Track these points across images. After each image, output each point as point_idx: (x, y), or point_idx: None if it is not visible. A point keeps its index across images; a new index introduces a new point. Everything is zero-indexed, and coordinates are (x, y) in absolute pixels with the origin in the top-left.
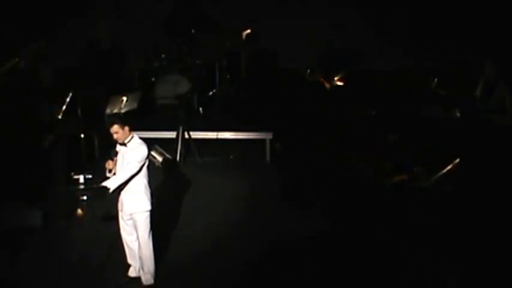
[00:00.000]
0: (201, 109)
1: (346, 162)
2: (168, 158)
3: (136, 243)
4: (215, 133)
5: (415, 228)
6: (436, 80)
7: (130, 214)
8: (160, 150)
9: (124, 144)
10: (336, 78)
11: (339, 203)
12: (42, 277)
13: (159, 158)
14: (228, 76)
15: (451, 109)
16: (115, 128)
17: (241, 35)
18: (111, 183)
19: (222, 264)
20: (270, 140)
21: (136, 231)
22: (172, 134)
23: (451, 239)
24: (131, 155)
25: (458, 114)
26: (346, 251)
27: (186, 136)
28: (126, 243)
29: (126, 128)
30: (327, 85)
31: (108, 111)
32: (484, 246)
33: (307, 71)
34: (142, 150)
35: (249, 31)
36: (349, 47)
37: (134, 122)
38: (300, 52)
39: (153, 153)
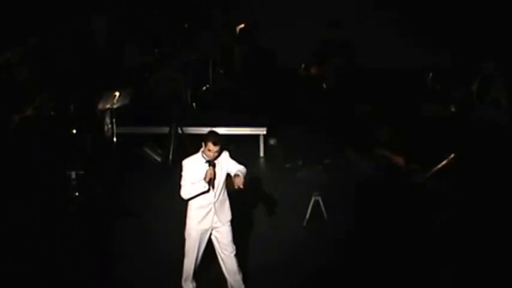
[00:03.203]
0: (194, 104)
1: (342, 156)
2: (161, 155)
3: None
4: (208, 128)
5: (413, 226)
6: (431, 74)
7: (226, 222)
8: (154, 146)
9: (214, 160)
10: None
11: (334, 199)
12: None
13: (154, 155)
14: (222, 71)
15: (446, 104)
16: (219, 147)
17: (236, 30)
18: (241, 176)
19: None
20: (264, 135)
21: (226, 239)
22: (165, 130)
23: (448, 237)
24: (224, 163)
25: (453, 110)
26: (342, 248)
27: (180, 131)
28: (196, 259)
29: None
30: (318, 72)
31: (100, 106)
32: (479, 242)
33: (301, 66)
34: (227, 152)
35: (242, 26)
36: (344, 42)
37: (127, 117)
38: (294, 47)
39: (147, 150)
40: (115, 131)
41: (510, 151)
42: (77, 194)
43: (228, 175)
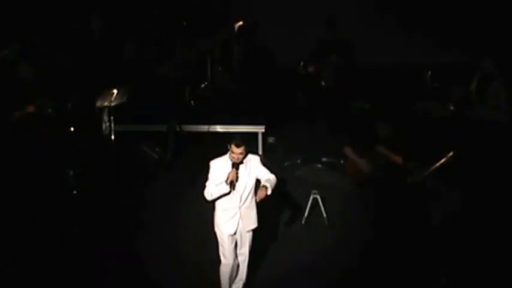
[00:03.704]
0: (192, 102)
1: (341, 155)
2: (159, 153)
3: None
4: (206, 126)
5: (412, 225)
6: (429, 72)
7: (250, 230)
8: (152, 144)
9: (241, 163)
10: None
11: (333, 197)
12: None
13: (152, 153)
14: (220, 68)
15: (445, 103)
16: (243, 148)
17: (234, 27)
18: (268, 187)
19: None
20: (262, 133)
21: (244, 246)
22: (163, 128)
23: (447, 236)
24: (253, 168)
25: (452, 108)
26: (341, 246)
27: (178, 129)
28: (234, 264)
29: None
30: (316, 70)
31: (98, 104)
32: (479, 241)
33: (300, 64)
34: (258, 158)
35: (241, 23)
36: (343, 39)
37: (125, 115)
38: (293, 45)
39: (145, 148)
40: (113, 128)
41: (510, 150)
42: (74, 192)
43: (258, 182)
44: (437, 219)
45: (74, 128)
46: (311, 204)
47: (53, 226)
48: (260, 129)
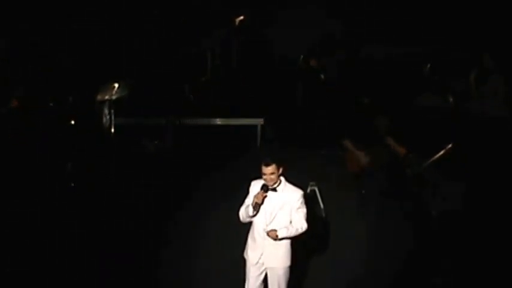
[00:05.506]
0: (192, 96)
1: (339, 147)
2: (158, 146)
3: None
4: (206, 119)
5: (411, 217)
6: (429, 65)
7: (277, 268)
8: (151, 138)
9: (273, 190)
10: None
11: (331, 189)
12: None
13: (150, 147)
14: (220, 63)
15: (444, 95)
16: (272, 168)
17: (234, 22)
18: (283, 232)
19: (216, 258)
20: (261, 126)
21: (274, 284)
22: (162, 121)
23: (447, 230)
24: (289, 202)
25: (451, 100)
26: (338, 239)
27: (177, 123)
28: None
29: (281, 170)
30: (317, 65)
31: (99, 97)
32: (479, 234)
33: (300, 58)
34: (300, 194)
35: (241, 18)
36: (342, 34)
37: (125, 109)
38: (293, 39)
39: (144, 142)
40: (113, 122)
41: (508, 145)
42: (72, 184)
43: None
44: (436, 211)
45: (74, 121)
46: (309, 196)
47: (53, 226)
48: (259, 121)
